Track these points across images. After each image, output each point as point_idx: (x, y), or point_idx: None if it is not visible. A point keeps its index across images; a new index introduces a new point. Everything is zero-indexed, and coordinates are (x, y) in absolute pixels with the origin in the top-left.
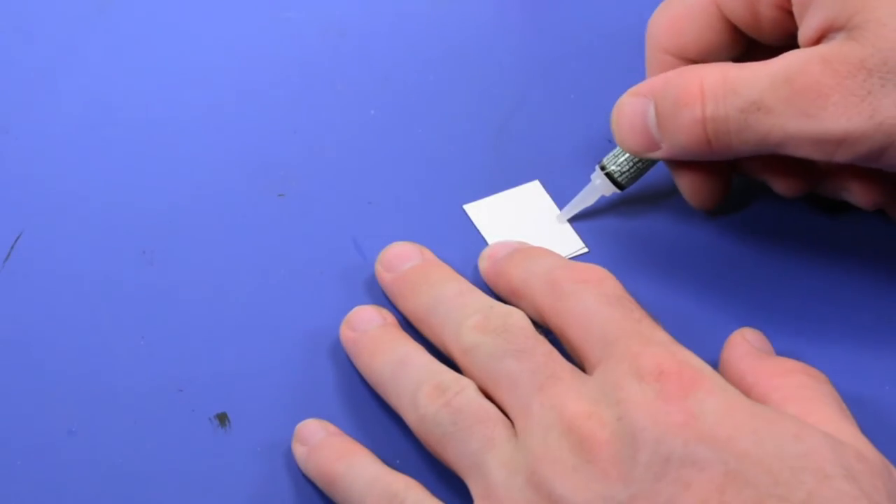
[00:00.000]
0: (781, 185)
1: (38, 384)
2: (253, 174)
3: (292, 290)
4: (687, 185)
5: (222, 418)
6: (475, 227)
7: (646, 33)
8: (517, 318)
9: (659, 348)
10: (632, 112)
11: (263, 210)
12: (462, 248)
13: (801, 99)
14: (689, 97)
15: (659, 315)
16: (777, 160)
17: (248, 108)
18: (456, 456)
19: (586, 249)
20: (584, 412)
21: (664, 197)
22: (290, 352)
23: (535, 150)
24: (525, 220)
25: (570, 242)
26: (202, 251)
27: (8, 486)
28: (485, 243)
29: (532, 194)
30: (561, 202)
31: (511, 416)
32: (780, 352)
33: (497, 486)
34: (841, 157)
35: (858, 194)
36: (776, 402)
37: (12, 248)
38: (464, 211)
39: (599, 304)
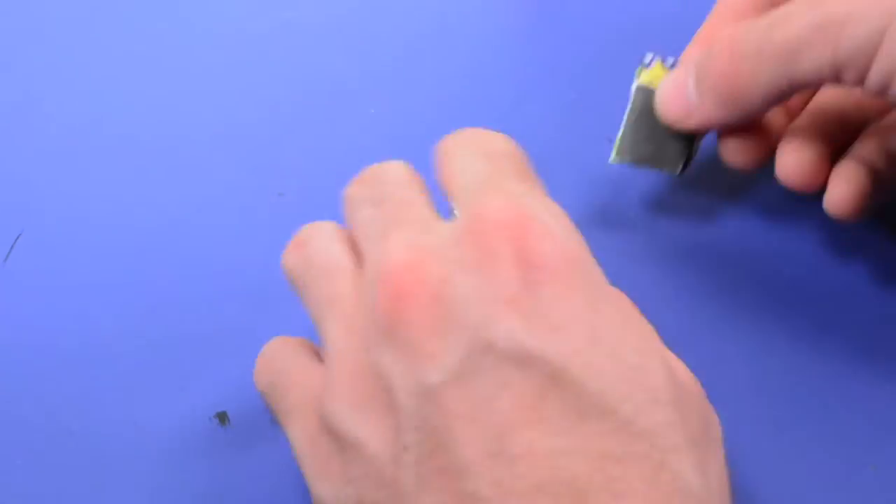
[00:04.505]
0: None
1: (37, 384)
2: (252, 173)
3: (292, 289)
4: (730, 144)
5: (222, 418)
6: None
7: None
8: (392, 168)
9: (507, 197)
10: (674, 81)
11: (263, 209)
12: None
13: None
14: (719, 36)
15: (657, 307)
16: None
17: (248, 108)
18: (308, 307)
19: None
20: (406, 263)
21: (662, 190)
22: None
23: (536, 150)
24: None
25: None
26: (201, 250)
27: (8, 486)
28: None
29: None
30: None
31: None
32: (780, 352)
33: (329, 345)
34: (844, 49)
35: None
36: None
37: (12, 248)
38: None
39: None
